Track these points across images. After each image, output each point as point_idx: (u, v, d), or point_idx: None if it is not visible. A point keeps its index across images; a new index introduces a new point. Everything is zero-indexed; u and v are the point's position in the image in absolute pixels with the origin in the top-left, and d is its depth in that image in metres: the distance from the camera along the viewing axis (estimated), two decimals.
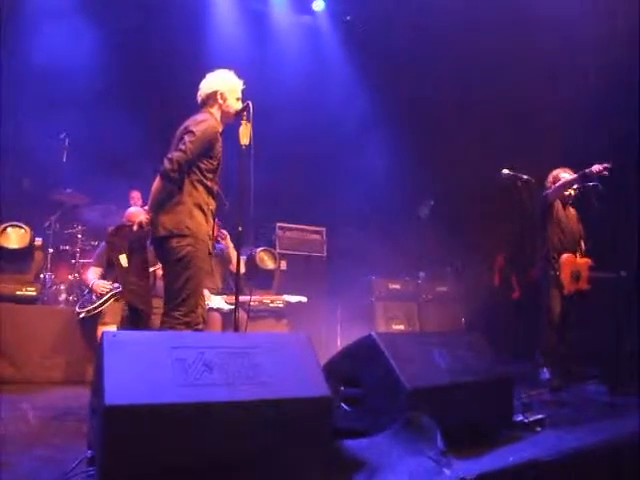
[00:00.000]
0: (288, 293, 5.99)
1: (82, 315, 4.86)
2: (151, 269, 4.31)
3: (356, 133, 8.18)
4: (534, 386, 4.63)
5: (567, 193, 5.28)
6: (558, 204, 5.27)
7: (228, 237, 5.34)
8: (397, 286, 7.34)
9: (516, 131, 7.15)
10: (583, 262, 5.25)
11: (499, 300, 7.76)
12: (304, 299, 5.85)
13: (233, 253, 5.15)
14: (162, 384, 2.12)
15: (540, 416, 3.29)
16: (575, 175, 5.10)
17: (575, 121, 6.66)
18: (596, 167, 4.94)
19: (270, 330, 5.83)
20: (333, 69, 8.63)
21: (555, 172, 5.35)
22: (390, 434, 2.53)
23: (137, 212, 4.74)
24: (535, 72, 7.06)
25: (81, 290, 5.61)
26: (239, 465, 2.16)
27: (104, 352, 2.14)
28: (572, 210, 5.41)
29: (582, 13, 6.64)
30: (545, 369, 4.95)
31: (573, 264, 5.17)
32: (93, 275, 5.12)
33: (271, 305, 6.02)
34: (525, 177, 5.22)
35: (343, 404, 2.88)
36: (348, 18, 8.77)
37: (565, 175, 5.23)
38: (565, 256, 5.13)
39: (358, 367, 2.90)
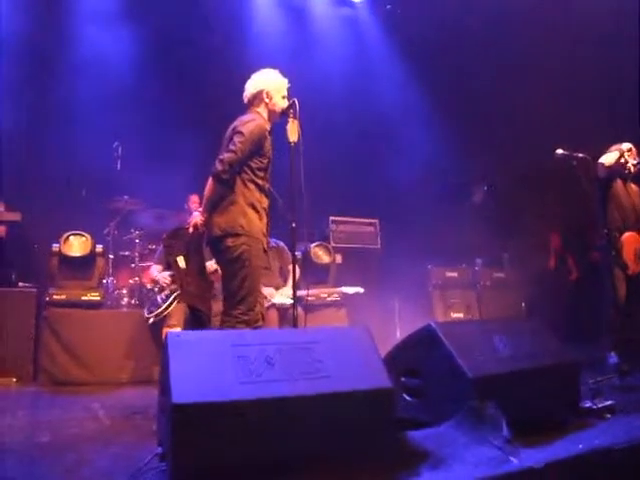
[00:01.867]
0: (344, 286, 6.00)
1: (151, 320, 4.94)
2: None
3: (405, 121, 8.09)
4: (602, 371, 4.48)
5: (627, 169, 5.08)
6: (618, 181, 5.07)
7: None
8: (454, 274, 7.24)
9: (571, 108, 6.94)
10: None
11: (558, 283, 7.56)
12: (361, 290, 5.85)
13: None
14: (225, 381, 2.17)
15: (609, 402, 3.19)
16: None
17: (631, 94, 6.42)
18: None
19: (329, 321, 5.87)
20: (376, 59, 8.54)
21: (613, 147, 5.15)
22: (454, 424, 2.51)
23: (193, 216, 4.83)
24: (588, 46, 6.83)
25: (142, 293, 5.77)
26: (303, 459, 2.19)
27: (169, 352, 2.20)
28: (634, 187, 5.19)
29: None
30: (613, 353, 4.77)
31: (637, 242, 4.97)
32: (155, 272, 5.26)
33: (328, 299, 6.05)
34: (580, 155, 5.03)
35: (405, 395, 2.87)
36: (388, 7, 8.67)
37: (616, 152, 5.03)
38: (627, 234, 4.94)
39: (418, 357, 2.89)
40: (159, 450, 2.30)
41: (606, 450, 2.60)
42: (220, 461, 2.05)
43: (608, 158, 4.99)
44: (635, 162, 5.08)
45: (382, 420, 2.36)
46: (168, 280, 4.96)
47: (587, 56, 6.85)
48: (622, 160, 5.04)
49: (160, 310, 4.91)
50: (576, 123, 6.62)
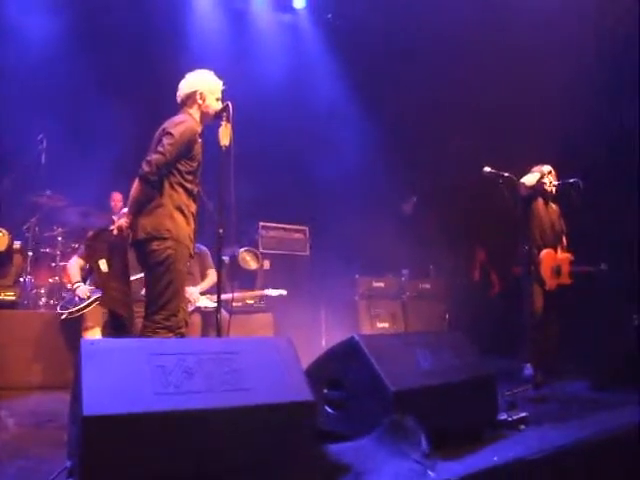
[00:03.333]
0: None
1: (64, 316, 4.81)
2: (132, 277, 4.25)
3: (338, 130, 8.13)
4: (517, 383, 4.64)
5: (548, 189, 5.31)
6: (539, 200, 5.29)
7: None
8: (381, 284, 7.31)
9: (498, 127, 7.16)
10: (564, 257, 5.28)
11: (481, 296, 7.79)
12: (284, 292, 5.82)
13: None
14: (141, 392, 2.08)
15: (523, 414, 3.30)
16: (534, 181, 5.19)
17: (555, 119, 6.70)
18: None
19: (255, 328, 5.81)
20: (314, 67, 8.56)
21: (535, 168, 5.37)
22: (375, 437, 2.52)
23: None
24: (518, 68, 7.05)
25: (61, 293, 5.54)
26: (222, 473, 2.14)
27: (82, 361, 2.11)
28: (554, 206, 5.43)
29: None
30: (528, 365, 4.95)
31: (553, 259, 5.19)
32: (76, 268, 5.06)
33: (254, 305, 6.00)
34: (506, 174, 5.19)
35: (327, 407, 2.86)
36: (329, 16, 8.72)
37: (537, 174, 5.25)
38: (545, 252, 5.16)
39: (342, 369, 2.89)
40: (68, 464, 2.18)
41: (519, 461, 2.68)
42: (133, 477, 1.96)
43: (529, 178, 5.20)
44: (555, 183, 5.32)
45: (303, 433, 2.34)
46: (87, 295, 4.81)
47: (523, 80, 7.08)
48: (543, 180, 5.26)
49: (76, 309, 4.75)
50: (505, 142, 6.84)
